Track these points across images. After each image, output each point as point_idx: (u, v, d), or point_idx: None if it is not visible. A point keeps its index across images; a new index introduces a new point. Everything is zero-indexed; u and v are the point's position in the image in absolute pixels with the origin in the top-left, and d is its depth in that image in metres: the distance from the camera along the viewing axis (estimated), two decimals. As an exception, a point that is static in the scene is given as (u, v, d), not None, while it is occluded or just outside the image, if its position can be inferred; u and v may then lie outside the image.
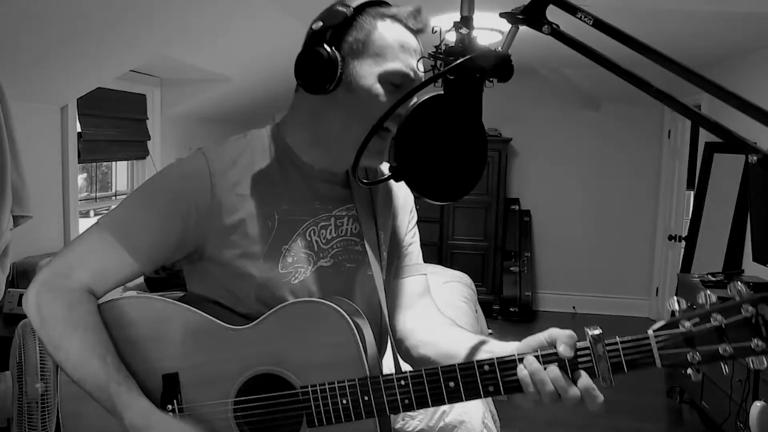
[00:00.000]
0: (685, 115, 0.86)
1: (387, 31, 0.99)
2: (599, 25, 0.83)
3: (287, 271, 1.03)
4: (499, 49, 0.87)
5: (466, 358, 0.99)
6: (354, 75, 0.98)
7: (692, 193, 4.66)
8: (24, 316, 2.12)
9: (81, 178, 3.41)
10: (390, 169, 0.88)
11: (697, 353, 0.84)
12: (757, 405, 2.55)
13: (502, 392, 0.90)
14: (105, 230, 1.00)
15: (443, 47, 0.87)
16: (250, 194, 1.02)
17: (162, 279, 3.14)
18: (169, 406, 0.98)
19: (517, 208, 5.75)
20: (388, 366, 1.07)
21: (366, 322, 1.00)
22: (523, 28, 0.87)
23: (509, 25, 0.88)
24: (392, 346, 1.12)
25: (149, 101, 3.78)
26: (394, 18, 1.01)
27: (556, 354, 0.88)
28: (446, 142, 0.88)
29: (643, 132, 5.56)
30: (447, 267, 4.52)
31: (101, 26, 2.44)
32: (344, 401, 0.94)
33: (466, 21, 0.85)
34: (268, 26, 3.22)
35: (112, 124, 3.40)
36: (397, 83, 0.99)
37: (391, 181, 0.88)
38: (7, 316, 2.35)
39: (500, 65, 0.86)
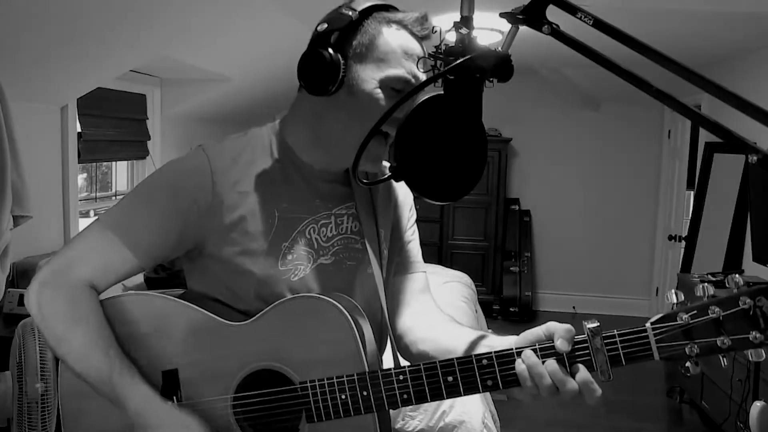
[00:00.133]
0: (685, 115, 0.86)
1: (392, 37, 0.99)
2: (599, 25, 0.83)
3: (287, 268, 1.03)
4: (499, 49, 0.87)
5: (464, 353, 1.00)
6: (356, 78, 0.99)
7: (692, 193, 4.66)
8: (24, 316, 2.13)
9: (81, 178, 3.41)
10: (390, 169, 0.88)
11: (695, 346, 0.84)
12: (757, 405, 2.55)
13: (501, 386, 0.90)
14: (105, 227, 1.01)
15: (443, 47, 0.87)
16: (251, 192, 1.02)
17: (162, 279, 3.14)
18: (169, 402, 0.98)
19: (517, 208, 5.75)
20: (388, 363, 1.07)
21: (365, 319, 1.01)
22: (523, 28, 0.87)
23: (509, 25, 0.88)
24: (392, 343, 1.13)
25: (149, 101, 3.78)
26: (400, 24, 1.01)
27: (554, 348, 0.88)
28: (446, 142, 0.88)
29: (643, 132, 5.56)
30: (447, 267, 4.52)
31: (101, 26, 2.44)
32: (343, 397, 0.94)
33: (466, 21, 0.85)
34: (268, 26, 3.22)
35: (112, 124, 3.40)
36: (398, 89, 1.00)
37: (392, 179, 0.88)
38: (7, 316, 2.35)
39: (500, 65, 0.86)
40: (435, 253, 5.50)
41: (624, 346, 0.86)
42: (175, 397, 0.99)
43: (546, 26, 0.85)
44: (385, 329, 1.13)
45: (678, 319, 0.85)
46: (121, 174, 3.94)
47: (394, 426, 1.98)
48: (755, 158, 0.81)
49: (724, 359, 0.85)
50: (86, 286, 1.00)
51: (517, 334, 0.94)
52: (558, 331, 0.89)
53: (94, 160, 3.44)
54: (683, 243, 4.55)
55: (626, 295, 5.70)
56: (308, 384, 0.96)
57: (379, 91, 0.99)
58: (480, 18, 0.87)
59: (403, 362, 1.08)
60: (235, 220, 1.01)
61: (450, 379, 0.91)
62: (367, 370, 0.95)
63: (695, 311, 0.84)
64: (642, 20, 3.08)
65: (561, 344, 0.87)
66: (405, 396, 0.93)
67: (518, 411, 3.51)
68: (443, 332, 1.09)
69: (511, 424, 3.29)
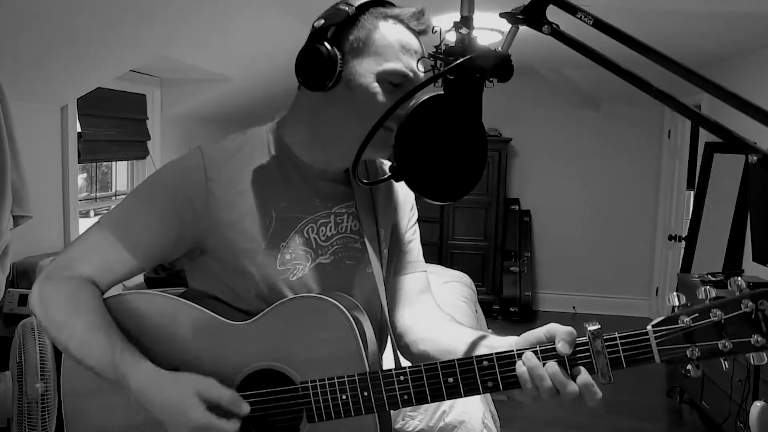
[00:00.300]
0: (685, 115, 0.86)
1: (388, 31, 1.00)
2: (599, 25, 0.83)
3: (285, 267, 1.03)
4: (499, 49, 0.87)
5: (465, 353, 1.00)
6: (353, 73, 0.99)
7: (692, 193, 4.66)
8: (24, 316, 2.13)
9: (81, 178, 3.41)
10: (390, 169, 0.88)
11: (696, 349, 0.84)
12: (757, 405, 2.55)
13: (501, 388, 0.90)
14: (105, 229, 1.02)
15: (443, 47, 0.87)
16: (248, 191, 1.02)
17: (162, 279, 3.14)
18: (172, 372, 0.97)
19: (517, 208, 5.75)
20: (388, 362, 1.07)
21: (366, 318, 1.01)
22: (523, 28, 0.87)
23: (509, 25, 0.88)
24: (392, 343, 1.13)
25: (149, 101, 3.78)
26: (397, 18, 1.01)
27: (554, 350, 0.88)
28: (446, 142, 0.88)
29: (643, 132, 5.56)
30: (447, 267, 4.52)
31: (101, 26, 2.44)
32: (344, 397, 0.94)
33: (466, 21, 0.85)
34: (268, 26, 3.22)
35: (112, 124, 3.40)
36: (396, 83, 1.00)
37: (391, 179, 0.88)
38: (7, 316, 2.35)
39: (500, 65, 0.86)
40: (435, 253, 5.50)
41: (625, 349, 0.86)
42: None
43: (546, 26, 0.85)
44: (385, 328, 1.13)
45: (679, 321, 0.84)
46: (121, 174, 3.94)
47: (394, 426, 1.98)
48: (755, 158, 0.81)
49: (725, 362, 0.85)
50: (87, 281, 1.01)
51: (518, 334, 0.94)
52: (559, 333, 0.88)
53: (94, 160, 3.44)
54: (683, 243, 4.55)
55: (626, 295, 5.70)
56: (309, 384, 0.96)
57: (376, 85, 0.99)
58: (480, 18, 0.87)
59: (404, 361, 1.08)
60: (233, 219, 1.01)
61: (450, 380, 0.91)
62: (367, 369, 0.95)
63: (697, 314, 0.84)
64: (642, 20, 3.08)
65: (562, 347, 0.87)
66: (405, 396, 0.93)
67: (518, 411, 3.51)
68: (443, 332, 1.09)
69: (511, 424, 3.30)
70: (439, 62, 0.87)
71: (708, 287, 0.85)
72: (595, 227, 5.71)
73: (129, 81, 3.46)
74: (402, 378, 0.93)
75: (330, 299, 0.97)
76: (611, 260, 5.70)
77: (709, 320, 0.84)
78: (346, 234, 1.10)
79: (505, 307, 5.52)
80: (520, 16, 0.86)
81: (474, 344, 1.00)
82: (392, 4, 1.04)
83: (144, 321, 1.01)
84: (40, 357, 1.98)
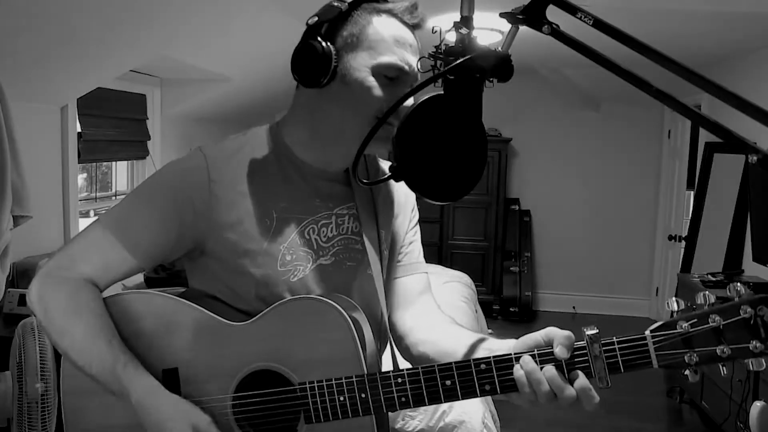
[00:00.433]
0: (685, 115, 0.86)
1: (382, 26, 1.00)
2: (599, 25, 0.83)
3: (286, 269, 1.03)
4: (499, 49, 0.87)
5: (464, 356, 1.00)
6: (348, 68, 0.99)
7: (692, 193, 4.66)
8: (24, 316, 2.13)
9: (81, 178, 3.41)
10: (390, 169, 0.88)
11: (695, 354, 0.84)
12: (757, 405, 2.55)
13: (499, 391, 0.90)
14: (105, 227, 1.02)
15: (443, 47, 0.87)
16: (249, 192, 1.02)
17: (162, 279, 3.14)
18: (174, 395, 0.98)
19: (517, 208, 5.75)
20: (387, 363, 1.07)
21: (365, 320, 1.01)
22: (523, 28, 0.87)
23: (509, 25, 0.88)
24: (391, 344, 1.13)
25: (149, 101, 3.78)
26: (390, 13, 1.01)
27: (552, 354, 0.88)
28: (446, 142, 0.88)
29: (643, 132, 5.56)
30: (447, 267, 4.52)
31: (101, 26, 2.44)
32: (342, 398, 0.94)
33: (466, 21, 0.85)
34: (268, 26, 3.22)
35: (112, 124, 3.40)
36: (391, 76, 1.00)
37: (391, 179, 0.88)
38: (7, 316, 2.35)
39: (500, 65, 0.86)
40: (435, 253, 5.50)
41: (623, 354, 0.86)
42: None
43: (546, 26, 0.85)
44: (385, 330, 1.13)
45: (678, 327, 0.84)
46: (121, 174, 3.94)
47: (394, 426, 1.98)
48: (755, 158, 0.81)
49: (724, 368, 0.85)
50: (87, 281, 1.00)
51: (517, 334, 0.94)
52: (557, 337, 0.88)
53: (94, 160, 3.44)
54: (683, 243, 4.55)
55: (626, 295, 5.70)
56: (307, 385, 0.96)
57: (372, 79, 0.99)
58: (480, 18, 0.87)
59: (402, 363, 1.08)
60: (233, 219, 1.01)
61: (448, 383, 0.91)
62: (365, 371, 0.95)
63: (695, 319, 0.84)
64: (642, 20, 3.08)
65: (560, 351, 0.87)
66: (403, 399, 0.93)
67: (518, 411, 3.51)
68: (443, 334, 1.09)
69: (511, 424, 3.29)
70: (439, 62, 0.87)
71: (707, 293, 0.85)
72: (595, 227, 5.71)
73: (129, 81, 3.46)
74: (400, 380, 0.93)
75: (328, 301, 0.96)
76: (611, 260, 5.70)
77: (707, 326, 0.83)
78: (347, 235, 1.10)
79: (505, 307, 5.52)
80: (520, 16, 0.86)
81: (473, 347, 1.00)
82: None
83: (143, 321, 1.01)
84: (40, 357, 1.98)
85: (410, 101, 0.91)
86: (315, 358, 0.96)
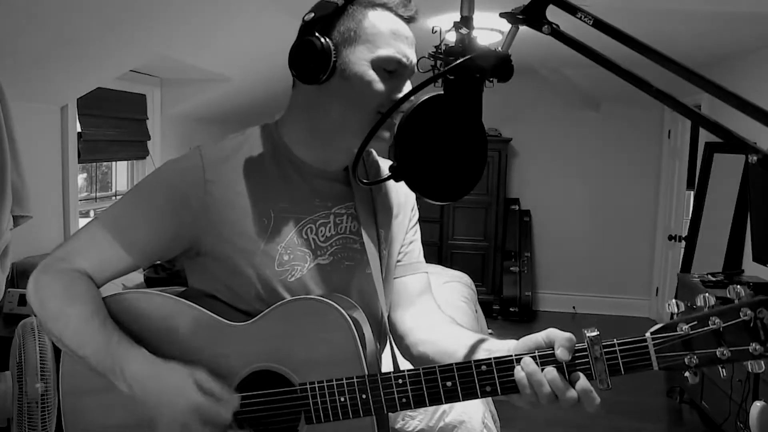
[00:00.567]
0: (685, 115, 0.86)
1: (378, 19, 1.00)
2: (599, 25, 0.83)
3: (284, 269, 1.03)
4: (499, 49, 0.87)
5: (465, 356, 1.00)
6: (347, 63, 0.99)
7: (692, 193, 4.66)
8: (24, 316, 2.13)
9: (81, 178, 3.41)
10: (390, 169, 0.88)
11: (695, 356, 0.84)
12: (757, 405, 2.55)
13: (499, 393, 0.90)
14: (103, 225, 1.03)
15: (443, 47, 0.87)
16: (246, 191, 1.02)
17: (162, 279, 3.14)
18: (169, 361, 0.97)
19: (517, 208, 5.75)
20: (386, 363, 1.07)
21: (365, 320, 1.01)
22: (523, 28, 0.87)
23: (509, 25, 0.88)
24: (391, 345, 1.12)
25: (149, 101, 3.78)
26: (385, 6, 1.01)
27: (553, 356, 0.88)
28: (446, 142, 0.88)
29: (643, 132, 5.56)
30: (447, 267, 4.52)
31: (101, 26, 2.44)
32: (342, 399, 0.94)
33: (466, 21, 0.85)
34: (268, 26, 3.22)
35: (112, 124, 3.40)
36: (390, 69, 1.00)
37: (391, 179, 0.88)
38: (7, 316, 2.35)
39: (500, 65, 0.86)
40: (435, 253, 5.49)
41: (623, 356, 0.86)
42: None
43: (546, 26, 0.85)
44: (384, 329, 1.13)
45: (678, 329, 0.85)
46: (121, 174, 3.94)
47: (394, 426, 1.98)
48: (755, 158, 0.81)
49: (724, 370, 0.85)
50: (84, 274, 1.01)
51: (517, 334, 0.94)
52: (558, 339, 0.88)
53: (94, 160, 3.44)
54: (683, 243, 4.55)
55: (626, 295, 5.70)
56: (308, 385, 0.96)
57: (372, 72, 0.99)
58: (480, 18, 0.87)
59: (402, 362, 1.08)
60: (230, 219, 1.01)
61: (449, 384, 0.91)
62: (366, 372, 0.95)
63: (695, 322, 0.84)
64: (642, 20, 3.08)
65: (561, 353, 0.87)
66: (404, 400, 0.93)
67: (518, 411, 3.49)
68: (444, 334, 1.09)
69: (511, 424, 3.29)
70: (439, 62, 0.87)
71: (707, 295, 0.85)
72: (595, 227, 5.71)
73: (129, 81, 3.46)
74: (400, 381, 0.93)
75: (329, 301, 0.96)
76: (611, 260, 5.70)
77: (707, 328, 0.84)
78: (345, 235, 1.10)
79: (505, 307, 5.52)
80: (520, 16, 0.86)
81: (474, 347, 1.00)
82: None
83: (143, 321, 1.01)
84: (40, 357, 1.98)
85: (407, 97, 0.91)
86: (315, 359, 0.96)
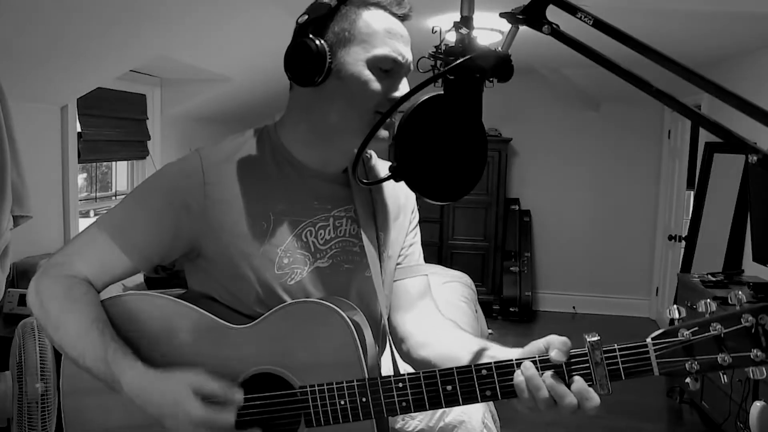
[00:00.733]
0: (685, 115, 0.86)
1: (372, 18, 1.00)
2: (599, 25, 0.83)
3: (283, 272, 1.03)
4: (499, 49, 0.87)
5: (468, 362, 0.99)
6: (343, 64, 0.98)
7: (692, 193, 4.66)
8: (24, 316, 2.13)
9: (81, 178, 3.41)
10: (390, 169, 0.88)
11: (696, 362, 0.84)
12: (757, 405, 2.55)
13: (499, 397, 0.90)
14: (103, 228, 1.02)
15: (443, 47, 0.87)
16: (245, 194, 1.02)
17: (162, 279, 3.14)
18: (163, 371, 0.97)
19: (517, 208, 5.75)
20: (386, 365, 1.06)
21: (366, 323, 1.00)
22: (523, 28, 0.87)
23: (509, 25, 0.88)
24: (390, 348, 1.12)
25: (149, 101, 3.78)
26: (378, 5, 1.01)
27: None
28: (446, 142, 0.88)
29: (643, 132, 5.55)
30: (447, 267, 4.51)
31: (101, 26, 2.44)
32: (342, 402, 0.94)
33: (466, 21, 0.85)
34: (268, 26, 3.22)
35: (112, 124, 3.40)
36: (386, 68, 0.99)
37: (392, 180, 0.87)
38: (7, 316, 2.35)
39: (500, 65, 0.86)
40: (435, 253, 5.49)
41: (624, 361, 0.86)
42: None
43: (546, 26, 0.85)
44: (384, 332, 1.13)
45: (679, 334, 0.84)
46: (121, 174, 3.94)
47: (394, 426, 1.98)
48: (755, 158, 0.80)
49: (724, 376, 0.85)
50: (83, 279, 1.01)
51: (517, 335, 0.94)
52: (553, 342, 0.89)
53: (94, 160, 3.44)
54: (683, 243, 4.55)
55: (626, 295, 5.70)
56: (308, 389, 0.95)
57: (368, 72, 0.99)
58: (480, 18, 0.87)
59: (401, 365, 1.08)
60: (230, 222, 1.01)
61: (449, 388, 0.91)
62: (366, 375, 0.94)
63: (696, 327, 0.84)
64: (642, 20, 3.08)
65: (555, 354, 0.87)
66: (404, 403, 0.93)
67: (518, 412, 3.50)
68: (445, 338, 1.09)
69: (511, 425, 3.29)
70: (439, 62, 0.87)
71: (709, 301, 0.85)
72: (595, 227, 5.71)
73: (129, 81, 3.46)
74: (401, 385, 0.93)
75: (329, 304, 0.96)
76: (611, 260, 5.70)
77: (708, 334, 0.84)
78: (344, 237, 1.09)
79: (505, 307, 5.51)
80: (520, 16, 0.86)
81: (477, 354, 1.00)
82: None
83: (143, 323, 1.01)
84: (40, 357, 1.98)
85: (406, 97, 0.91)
86: (316, 362, 0.96)
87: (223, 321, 0.99)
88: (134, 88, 3.59)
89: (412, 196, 1.22)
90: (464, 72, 0.84)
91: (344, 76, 0.99)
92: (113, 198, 3.88)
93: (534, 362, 0.89)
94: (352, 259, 1.10)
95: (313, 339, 0.97)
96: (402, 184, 0.88)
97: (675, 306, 0.87)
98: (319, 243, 1.06)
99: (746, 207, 3.58)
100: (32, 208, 2.31)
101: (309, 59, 0.96)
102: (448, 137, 0.87)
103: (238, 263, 1.01)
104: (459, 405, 0.92)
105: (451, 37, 0.86)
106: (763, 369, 0.82)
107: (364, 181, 1.12)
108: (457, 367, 0.91)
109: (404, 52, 1.01)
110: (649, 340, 0.86)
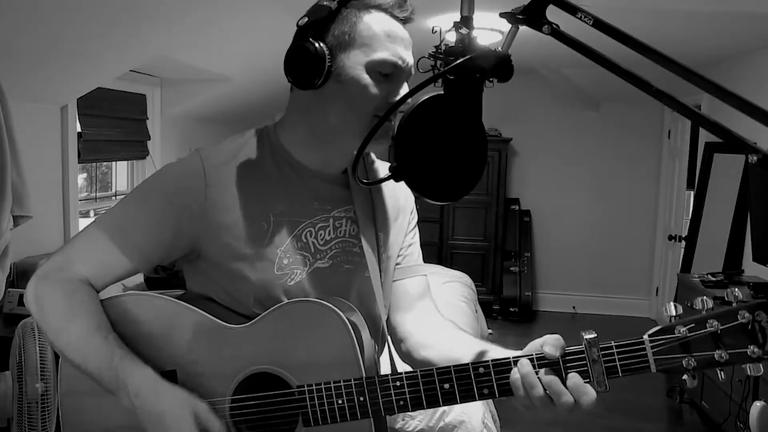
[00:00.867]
0: (685, 115, 0.86)
1: (372, 22, 0.99)
2: (599, 25, 0.83)
3: (283, 272, 1.03)
4: (499, 49, 0.87)
5: (464, 360, 0.99)
6: (342, 67, 0.98)
7: (692, 193, 4.66)
8: (24, 316, 2.13)
9: (81, 178, 3.41)
10: (390, 169, 0.88)
11: (693, 359, 0.84)
12: (757, 405, 2.55)
13: (497, 395, 0.90)
14: (102, 229, 1.02)
15: (443, 47, 0.87)
16: (245, 195, 1.02)
17: (162, 279, 3.14)
18: (170, 383, 0.97)
19: (517, 208, 5.75)
20: (384, 366, 1.06)
21: (363, 323, 1.01)
22: (523, 28, 0.87)
23: (509, 25, 0.88)
24: (389, 348, 1.12)
25: (149, 101, 3.78)
26: (379, 8, 1.00)
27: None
28: (446, 142, 0.88)
29: (643, 132, 5.56)
30: (447, 267, 4.51)
31: (101, 26, 2.44)
32: (340, 401, 0.94)
33: (466, 21, 0.85)
34: (268, 26, 3.22)
35: (112, 124, 3.40)
36: (385, 72, 0.99)
37: (392, 181, 0.87)
38: (7, 316, 2.35)
39: (500, 65, 0.86)
40: (435, 253, 5.49)
41: (621, 358, 0.86)
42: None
43: (546, 26, 0.85)
44: (383, 333, 1.13)
45: (676, 331, 0.85)
46: (121, 174, 3.94)
47: (394, 426, 1.98)
48: (755, 158, 0.80)
49: (722, 373, 0.85)
50: (83, 282, 1.00)
51: (517, 334, 0.95)
52: (547, 340, 0.89)
53: (94, 160, 3.44)
54: (683, 243, 4.55)
55: (626, 295, 5.70)
56: (305, 388, 0.95)
57: (366, 76, 0.98)
58: (480, 18, 0.87)
59: (400, 365, 1.08)
60: (230, 223, 1.01)
61: (446, 386, 0.91)
62: (364, 375, 0.94)
63: (693, 324, 0.84)
64: (642, 20, 3.08)
65: (549, 349, 0.88)
66: (401, 402, 0.93)
67: (518, 411, 3.50)
68: (444, 338, 1.09)
69: (511, 425, 3.29)
70: (439, 62, 0.87)
71: (705, 298, 0.85)
72: (595, 227, 5.71)
73: (129, 81, 3.46)
74: (398, 383, 0.93)
75: (327, 304, 0.96)
76: (611, 260, 5.70)
77: (705, 330, 0.84)
78: (344, 238, 1.09)
79: (505, 307, 5.51)
80: (520, 16, 0.86)
81: (475, 353, 1.00)
82: None
83: (142, 323, 1.01)
84: (40, 357, 1.98)
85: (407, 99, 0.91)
86: (314, 361, 0.96)
87: (221, 321, 0.99)
88: (134, 88, 3.59)
89: (411, 196, 1.22)
90: (464, 72, 0.84)
91: (344, 80, 0.98)
92: (113, 198, 3.88)
93: (531, 360, 0.89)
94: (352, 259, 1.10)
95: (310, 338, 0.97)
96: (401, 184, 0.88)
97: (672, 303, 0.87)
98: (319, 243, 1.06)
99: (746, 207, 3.58)
100: (32, 208, 2.31)
101: (309, 63, 0.96)
102: (448, 137, 0.87)
103: (238, 264, 1.01)
104: (457, 403, 0.92)
105: (451, 37, 0.86)
106: (760, 365, 0.82)
107: (364, 180, 1.12)
108: (454, 366, 0.91)
109: (405, 56, 1.01)
110: (646, 337, 0.86)
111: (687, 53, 3.89)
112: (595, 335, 0.87)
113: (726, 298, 0.85)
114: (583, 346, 0.87)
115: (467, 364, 0.91)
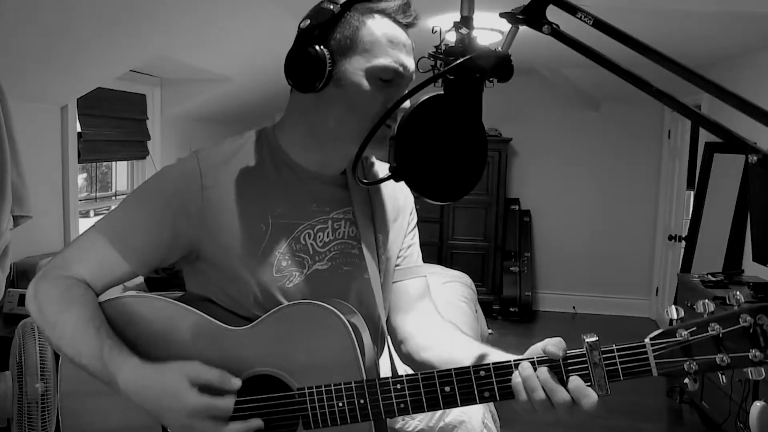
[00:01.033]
0: (685, 115, 0.86)
1: (375, 27, 0.98)
2: (599, 25, 0.83)
3: (282, 274, 1.03)
4: (499, 49, 0.87)
5: (465, 362, 0.99)
6: (343, 72, 0.98)
7: (692, 193, 4.66)
8: (24, 316, 2.13)
9: (81, 178, 3.41)
10: (390, 169, 0.87)
11: (694, 363, 0.84)
12: (757, 405, 2.55)
13: (498, 398, 0.90)
14: (101, 232, 1.02)
15: (443, 47, 0.87)
16: (243, 196, 1.02)
17: (162, 279, 3.14)
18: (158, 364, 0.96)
19: (517, 208, 5.75)
20: (384, 367, 1.06)
21: (364, 325, 1.00)
22: (523, 28, 0.87)
23: (509, 25, 0.88)
24: (389, 350, 1.12)
25: (149, 101, 3.78)
26: (383, 13, 0.99)
27: (551, 361, 0.88)
28: (446, 142, 0.87)
29: (643, 132, 5.56)
30: (447, 267, 4.51)
31: (101, 26, 2.44)
32: (340, 404, 0.94)
33: (466, 21, 0.85)
34: (268, 26, 3.22)
35: (112, 124, 3.40)
36: (386, 79, 0.99)
37: (391, 182, 0.87)
38: (7, 316, 2.35)
39: (500, 65, 0.86)
40: (435, 253, 5.49)
41: (622, 361, 0.86)
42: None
43: (546, 26, 0.85)
44: (383, 334, 1.13)
45: (677, 335, 0.84)
46: (121, 174, 3.94)
47: (394, 426, 1.98)
48: (755, 158, 0.80)
49: (723, 376, 0.85)
50: (81, 281, 1.01)
51: (517, 334, 0.95)
52: (549, 341, 0.89)
53: (94, 160, 3.44)
54: (683, 243, 4.55)
55: (626, 295, 5.70)
56: (306, 390, 0.95)
57: (367, 82, 0.98)
58: (480, 18, 0.87)
59: (400, 367, 1.08)
60: (228, 225, 1.01)
61: (447, 389, 0.91)
62: (364, 377, 0.94)
63: (695, 328, 0.84)
64: (642, 20, 3.08)
65: (550, 348, 0.88)
66: (402, 405, 0.93)
67: (518, 412, 3.50)
68: (445, 340, 1.09)
69: (511, 425, 3.29)
70: (439, 62, 0.87)
71: (707, 301, 0.85)
72: (595, 227, 5.71)
73: (129, 81, 3.46)
74: (399, 386, 0.93)
75: (328, 306, 0.96)
76: (611, 260, 5.70)
77: (707, 334, 0.84)
78: (343, 240, 1.09)
79: (505, 307, 5.51)
80: (520, 16, 0.86)
81: (475, 356, 1.00)
82: None
83: (142, 325, 1.01)
84: (40, 357, 1.98)
85: (407, 102, 0.91)
86: (314, 364, 0.96)
87: (221, 323, 0.99)
88: (134, 88, 3.59)
89: (410, 197, 1.22)
90: (464, 72, 0.84)
91: (344, 84, 0.98)
92: (113, 198, 3.88)
93: (532, 363, 0.89)
94: (351, 261, 1.09)
95: (310, 341, 0.96)
96: (401, 185, 0.88)
97: (674, 306, 0.87)
98: (318, 245, 1.06)
99: (746, 207, 3.58)
100: (32, 208, 2.31)
101: (310, 66, 0.96)
102: (448, 137, 0.87)
103: (236, 266, 1.01)
104: (457, 406, 0.92)
105: (451, 37, 0.86)
106: (762, 369, 0.82)
107: (364, 181, 1.12)
108: (455, 368, 0.91)
109: (406, 63, 1.00)
110: (647, 340, 0.86)
111: (687, 53, 3.89)
112: (596, 338, 0.87)
113: (727, 301, 0.85)
114: (585, 349, 0.87)
115: (468, 367, 0.91)
